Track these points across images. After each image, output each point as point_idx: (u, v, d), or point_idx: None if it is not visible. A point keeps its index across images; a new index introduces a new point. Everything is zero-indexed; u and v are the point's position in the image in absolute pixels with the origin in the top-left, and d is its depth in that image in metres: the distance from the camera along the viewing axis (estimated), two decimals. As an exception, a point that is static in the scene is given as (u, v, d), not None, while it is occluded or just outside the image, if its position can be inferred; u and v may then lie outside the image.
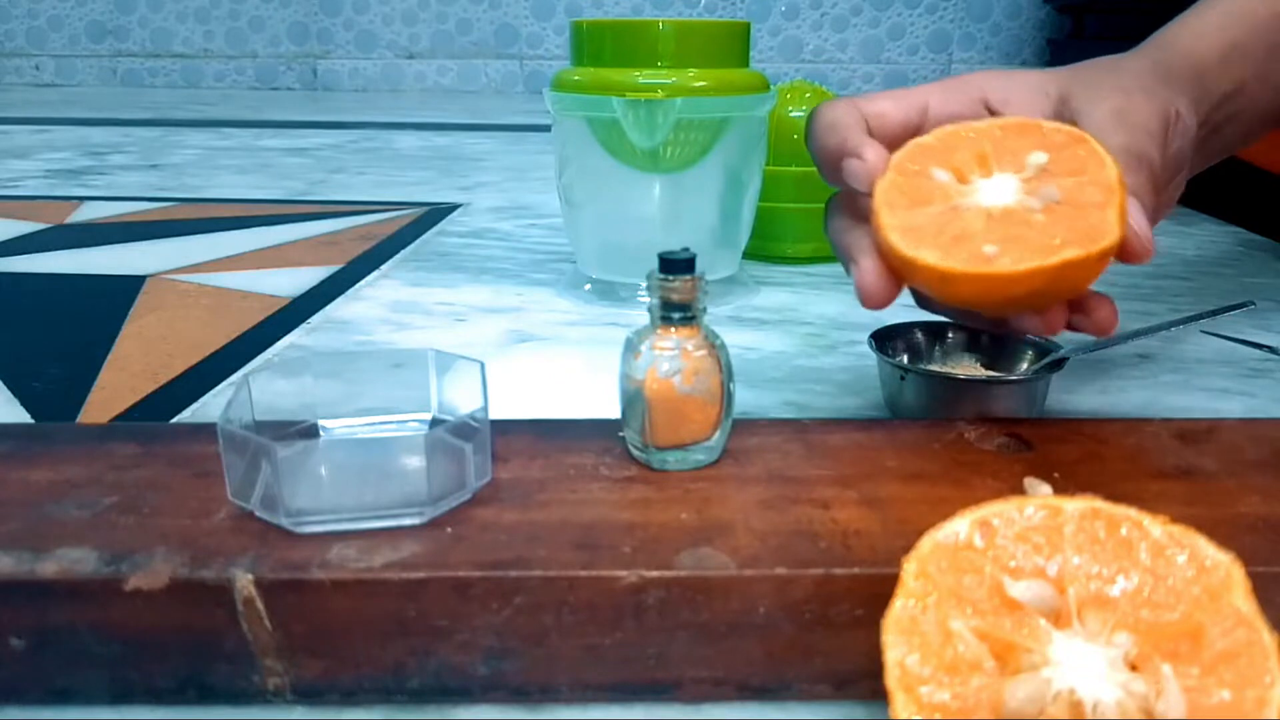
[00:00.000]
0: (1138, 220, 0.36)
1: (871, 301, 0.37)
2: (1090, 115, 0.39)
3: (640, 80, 0.60)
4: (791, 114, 0.75)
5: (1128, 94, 0.40)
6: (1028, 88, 0.41)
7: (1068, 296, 0.36)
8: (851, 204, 0.41)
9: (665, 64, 0.61)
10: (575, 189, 0.66)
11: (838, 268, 0.75)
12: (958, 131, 0.39)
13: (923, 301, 0.43)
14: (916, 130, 0.41)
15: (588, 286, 0.68)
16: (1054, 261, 0.33)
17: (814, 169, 0.69)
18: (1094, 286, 0.38)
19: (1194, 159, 0.45)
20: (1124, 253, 0.36)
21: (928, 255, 0.35)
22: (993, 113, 0.42)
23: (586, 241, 0.68)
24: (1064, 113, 0.41)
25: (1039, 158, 0.36)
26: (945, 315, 0.44)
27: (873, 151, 0.38)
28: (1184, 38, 0.46)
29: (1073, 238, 0.33)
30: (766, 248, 0.77)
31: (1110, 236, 0.33)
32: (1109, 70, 0.42)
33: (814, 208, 0.73)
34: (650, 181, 0.63)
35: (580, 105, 0.62)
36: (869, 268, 0.37)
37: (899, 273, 0.37)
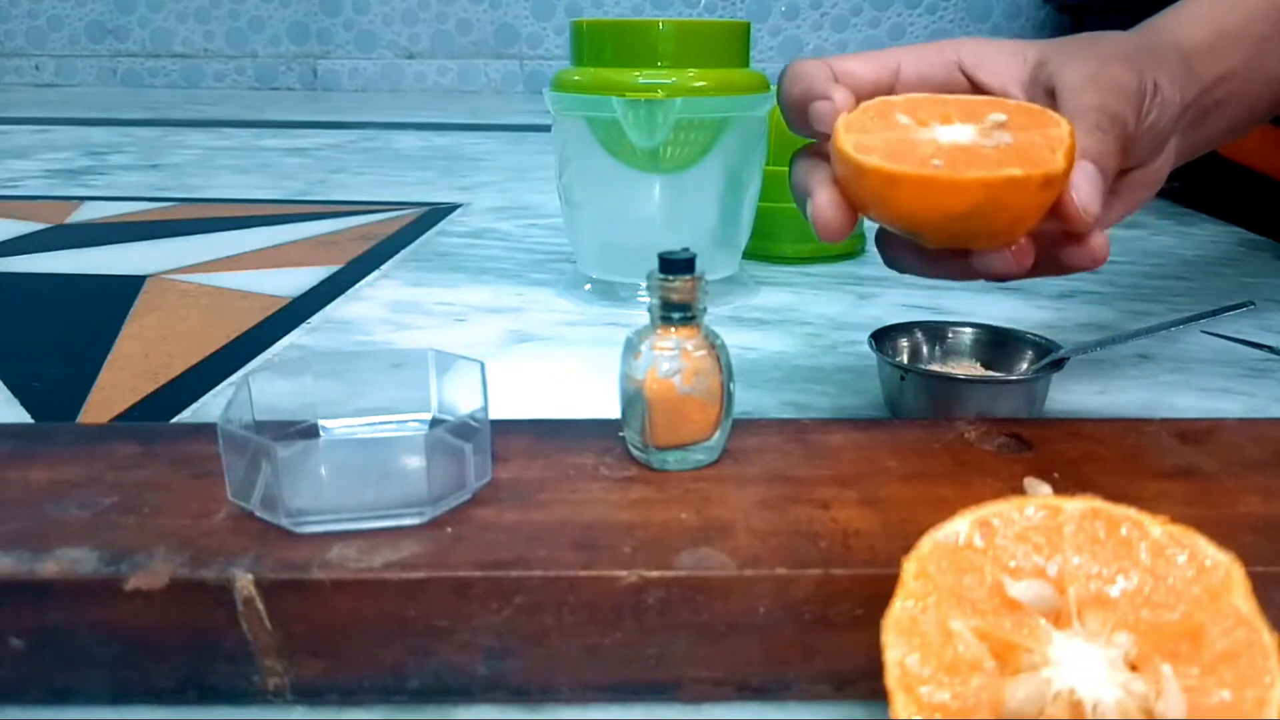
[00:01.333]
0: (1081, 186, 0.35)
1: (827, 232, 0.37)
2: (1065, 76, 0.39)
3: (640, 80, 0.60)
4: None
5: (1105, 61, 0.40)
6: (1005, 52, 0.41)
7: (1011, 226, 0.36)
8: (814, 149, 0.41)
9: (665, 64, 0.61)
10: (575, 189, 0.66)
11: (838, 267, 0.75)
12: (926, 97, 0.39)
13: (887, 254, 0.42)
14: (887, 90, 0.41)
15: (588, 286, 0.68)
16: (996, 175, 0.33)
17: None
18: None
19: (1181, 145, 0.45)
20: (1063, 216, 0.35)
21: (876, 159, 0.35)
22: (967, 75, 0.42)
23: (586, 241, 0.68)
24: (1039, 76, 0.40)
25: (998, 116, 0.37)
26: (909, 267, 0.42)
27: (841, 94, 0.38)
28: (1174, 22, 0.46)
29: (1018, 163, 0.34)
30: (766, 248, 0.77)
31: (1054, 167, 0.34)
32: (1090, 41, 0.42)
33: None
34: (650, 181, 0.63)
35: (580, 105, 0.62)
36: (823, 199, 0.37)
37: (852, 192, 0.37)
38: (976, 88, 0.41)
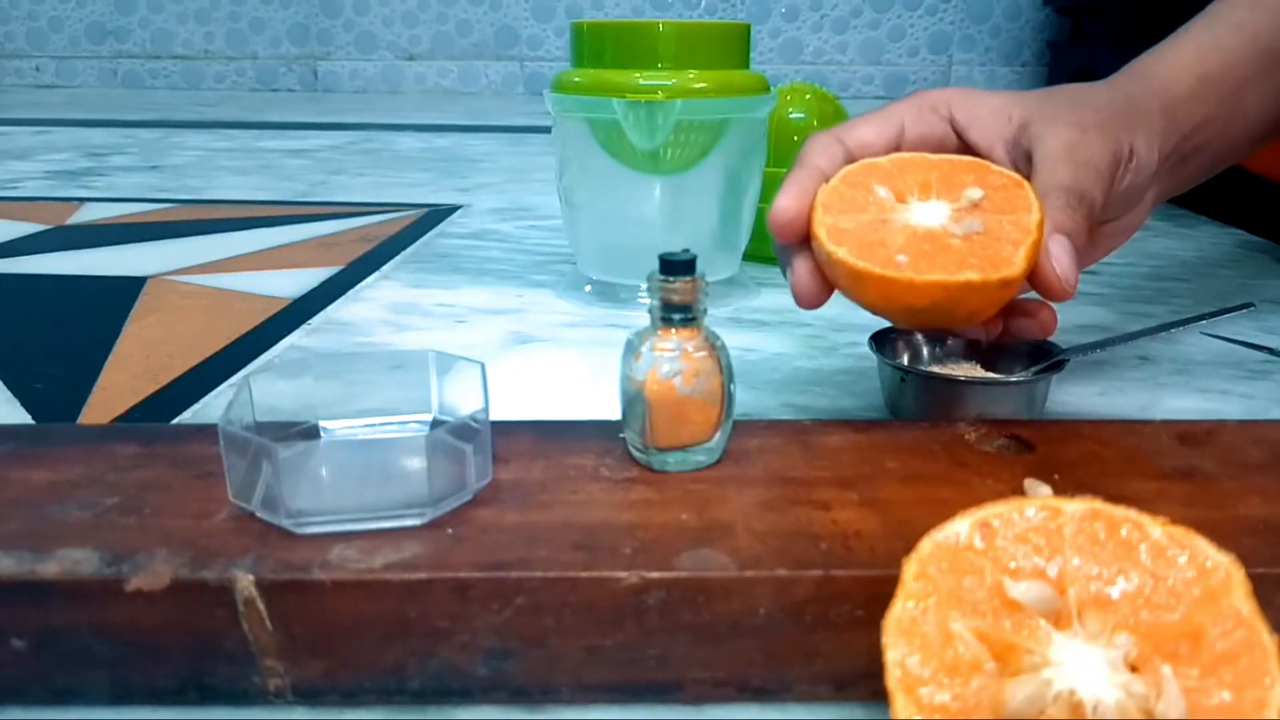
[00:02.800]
0: (1060, 258, 0.37)
1: (802, 301, 0.40)
2: (1044, 143, 0.41)
3: (641, 82, 0.60)
4: (792, 115, 0.75)
5: (1083, 130, 0.41)
6: (992, 111, 0.43)
7: (970, 317, 0.38)
8: None
9: (666, 66, 0.61)
10: (576, 190, 0.66)
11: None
12: (911, 159, 0.41)
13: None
14: (898, 151, 0.43)
15: (588, 288, 0.68)
16: (954, 279, 0.35)
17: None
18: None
19: (1161, 188, 0.47)
20: (1043, 287, 0.38)
21: (845, 252, 0.37)
22: (958, 133, 0.44)
23: (587, 243, 0.68)
24: (1022, 138, 0.42)
25: (975, 193, 0.39)
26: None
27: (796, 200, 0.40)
28: (1157, 70, 0.47)
29: (977, 264, 0.36)
30: (767, 249, 0.77)
31: (1012, 270, 0.36)
32: (1071, 102, 0.43)
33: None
34: (651, 183, 0.63)
35: (581, 106, 0.62)
36: (802, 270, 0.40)
37: (826, 271, 0.39)
38: (966, 145, 0.43)
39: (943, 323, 0.39)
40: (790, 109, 0.75)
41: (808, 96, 0.76)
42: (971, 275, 0.35)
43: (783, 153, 0.74)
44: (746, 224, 0.68)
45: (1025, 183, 0.39)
